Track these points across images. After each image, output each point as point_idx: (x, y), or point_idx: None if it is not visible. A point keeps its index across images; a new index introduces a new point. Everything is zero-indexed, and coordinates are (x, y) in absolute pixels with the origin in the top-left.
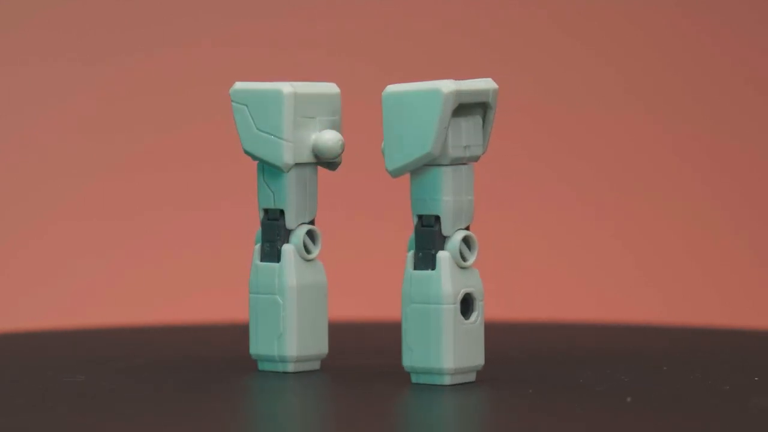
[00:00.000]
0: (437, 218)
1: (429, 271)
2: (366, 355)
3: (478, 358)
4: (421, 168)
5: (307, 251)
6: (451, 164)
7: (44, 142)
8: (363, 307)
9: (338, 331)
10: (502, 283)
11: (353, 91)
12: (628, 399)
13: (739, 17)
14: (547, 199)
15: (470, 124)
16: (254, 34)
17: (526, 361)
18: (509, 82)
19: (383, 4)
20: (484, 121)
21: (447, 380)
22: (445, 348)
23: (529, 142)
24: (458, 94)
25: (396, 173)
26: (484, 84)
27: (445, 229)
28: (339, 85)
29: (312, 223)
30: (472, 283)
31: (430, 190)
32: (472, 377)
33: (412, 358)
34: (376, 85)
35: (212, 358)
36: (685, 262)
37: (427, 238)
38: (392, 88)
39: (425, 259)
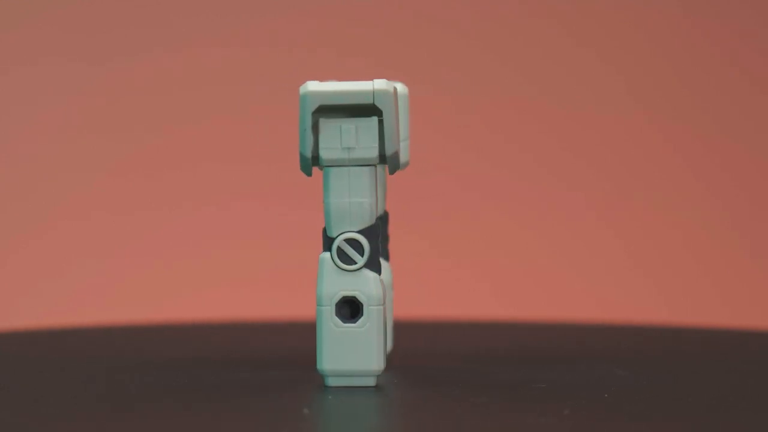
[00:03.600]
0: None
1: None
2: (425, 356)
3: (367, 363)
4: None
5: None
6: (332, 166)
7: (57, 140)
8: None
9: (405, 330)
10: (502, 283)
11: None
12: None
13: (740, 18)
14: (547, 198)
15: (356, 126)
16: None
17: (475, 361)
18: (511, 82)
19: (390, 7)
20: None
21: (329, 381)
22: (319, 349)
23: (530, 142)
24: (317, 95)
25: (304, 172)
26: (365, 86)
27: (328, 230)
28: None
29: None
30: (357, 287)
31: (323, 191)
32: (369, 381)
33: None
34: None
35: (293, 356)
36: (686, 263)
37: (323, 240)
38: None
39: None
